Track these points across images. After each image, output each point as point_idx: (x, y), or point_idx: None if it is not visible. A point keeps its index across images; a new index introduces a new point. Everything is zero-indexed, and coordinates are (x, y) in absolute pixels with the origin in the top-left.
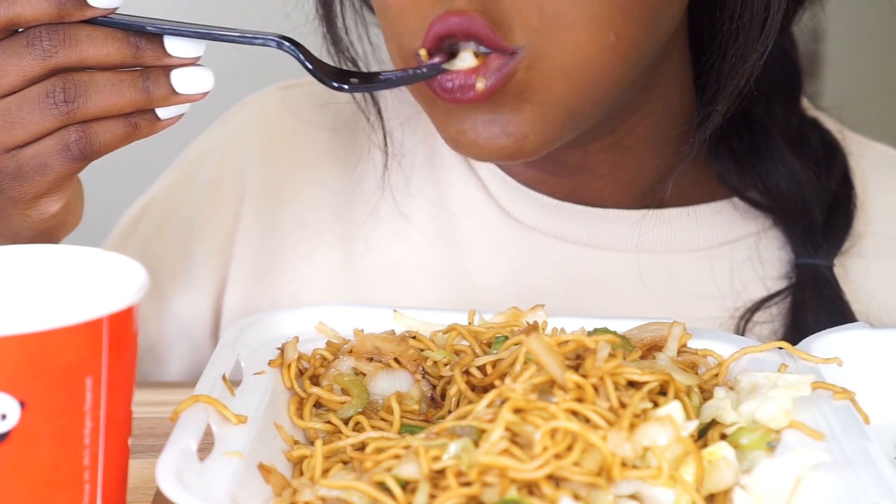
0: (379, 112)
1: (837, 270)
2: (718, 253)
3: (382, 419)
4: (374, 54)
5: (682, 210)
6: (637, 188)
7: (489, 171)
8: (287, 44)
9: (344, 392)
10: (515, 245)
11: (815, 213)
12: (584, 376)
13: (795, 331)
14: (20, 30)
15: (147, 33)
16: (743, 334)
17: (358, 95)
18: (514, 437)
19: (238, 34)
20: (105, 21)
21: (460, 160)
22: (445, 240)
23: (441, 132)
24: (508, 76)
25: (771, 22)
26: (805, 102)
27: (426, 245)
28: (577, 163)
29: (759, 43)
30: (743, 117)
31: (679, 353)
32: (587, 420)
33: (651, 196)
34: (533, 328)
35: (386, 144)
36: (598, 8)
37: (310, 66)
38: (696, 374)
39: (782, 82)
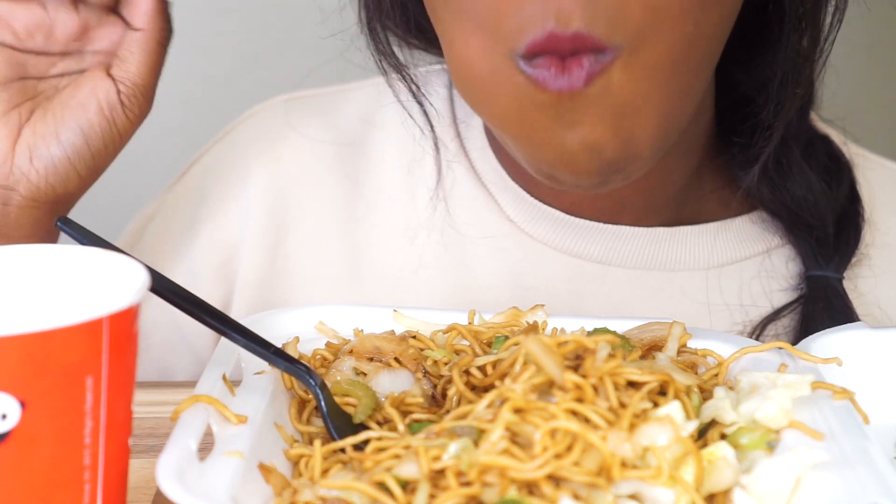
0: (429, 121)
1: (847, 284)
2: (729, 270)
3: (386, 419)
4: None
5: (695, 228)
6: (658, 198)
7: (501, 185)
8: (312, 382)
9: (346, 396)
10: (525, 261)
11: (827, 224)
12: (584, 376)
13: None
14: None
15: None
16: None
17: (404, 100)
18: (514, 437)
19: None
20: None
21: (471, 176)
22: (454, 256)
23: (532, 162)
24: (607, 73)
25: (837, 3)
26: (812, 115)
27: (434, 260)
28: None
29: (832, 28)
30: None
31: (679, 353)
32: (587, 420)
33: (671, 208)
34: (532, 328)
35: (438, 152)
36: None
37: (325, 410)
38: (696, 374)
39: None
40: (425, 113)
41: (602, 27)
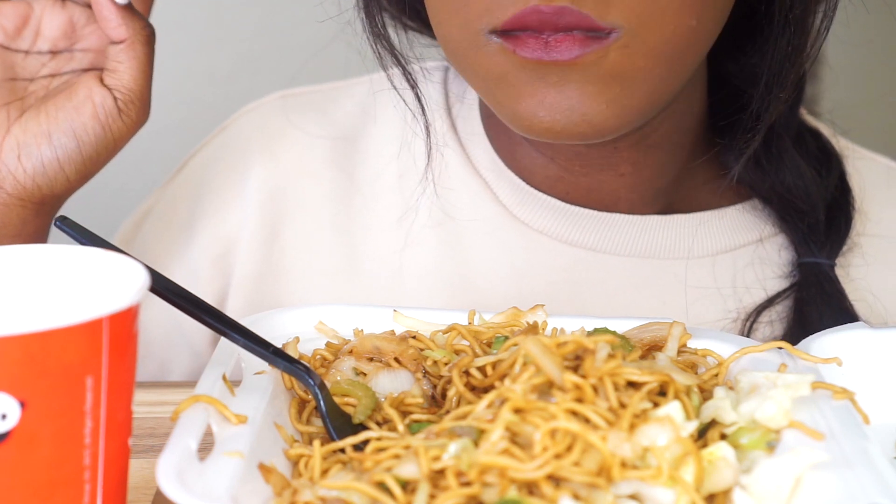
0: (423, 109)
1: (839, 272)
2: (723, 258)
3: (385, 419)
4: (412, 50)
5: (689, 216)
6: (652, 189)
7: (497, 174)
8: (312, 382)
9: (346, 396)
10: (520, 249)
11: (818, 211)
12: (584, 377)
13: (800, 329)
14: None
15: None
16: (748, 336)
17: (399, 88)
18: (514, 437)
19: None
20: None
21: (466, 164)
22: (449, 245)
23: (505, 110)
24: (604, 50)
25: (826, 9)
26: (801, 111)
27: (430, 251)
28: (604, 160)
29: (819, 34)
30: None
31: (679, 353)
32: (587, 420)
33: (663, 199)
34: (532, 328)
35: (429, 136)
36: None
37: (324, 410)
38: (696, 374)
39: None
40: (418, 98)
41: (591, 5)
